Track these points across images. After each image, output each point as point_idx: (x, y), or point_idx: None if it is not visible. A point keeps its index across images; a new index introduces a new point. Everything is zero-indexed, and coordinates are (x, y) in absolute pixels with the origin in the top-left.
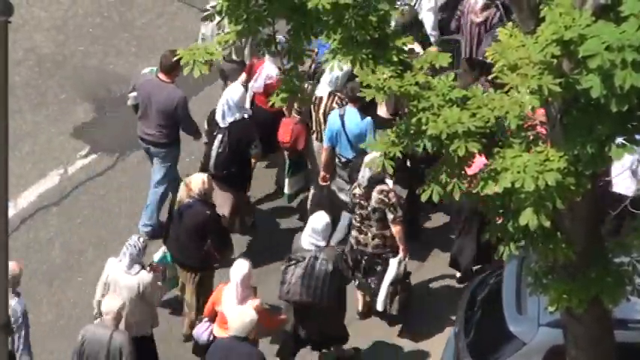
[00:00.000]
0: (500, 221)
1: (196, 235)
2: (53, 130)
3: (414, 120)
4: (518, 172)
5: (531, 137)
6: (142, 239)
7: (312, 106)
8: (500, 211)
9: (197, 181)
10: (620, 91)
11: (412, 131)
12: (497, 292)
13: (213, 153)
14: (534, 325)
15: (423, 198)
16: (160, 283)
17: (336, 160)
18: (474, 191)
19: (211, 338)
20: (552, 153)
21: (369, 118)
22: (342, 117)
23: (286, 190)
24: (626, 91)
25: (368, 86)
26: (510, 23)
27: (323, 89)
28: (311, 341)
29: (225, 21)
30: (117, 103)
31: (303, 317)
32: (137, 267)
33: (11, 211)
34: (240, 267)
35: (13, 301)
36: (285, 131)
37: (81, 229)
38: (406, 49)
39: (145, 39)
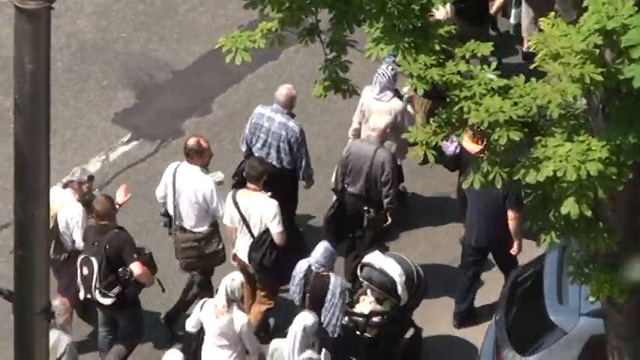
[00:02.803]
0: (541, 210)
1: None
2: (95, 116)
3: (455, 109)
4: (560, 161)
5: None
6: (390, 67)
7: None
8: (542, 200)
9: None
10: None
11: (454, 120)
12: (539, 281)
13: None
14: (575, 315)
15: (465, 186)
16: (411, 111)
17: None
18: (515, 178)
19: (457, 150)
20: (594, 142)
21: None
22: None
23: (512, 20)
24: None
25: (410, 75)
26: (553, 13)
27: None
28: None
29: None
30: (159, 89)
31: None
32: (389, 94)
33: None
34: None
35: (291, 123)
36: None
37: (122, 216)
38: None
39: (188, 26)
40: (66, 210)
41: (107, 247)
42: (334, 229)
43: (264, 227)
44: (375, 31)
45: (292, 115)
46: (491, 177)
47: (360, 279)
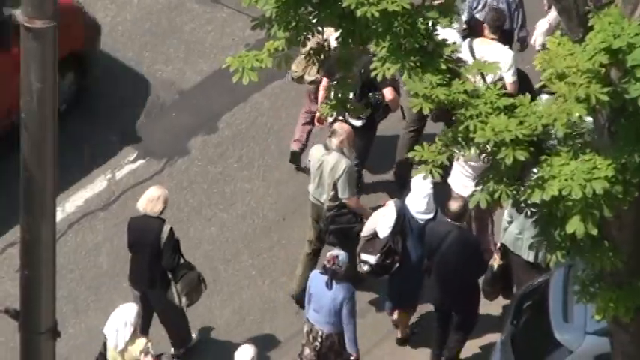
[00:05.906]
0: (547, 229)
1: None
2: (101, 135)
3: (461, 128)
4: (566, 180)
5: (579, 145)
6: None
7: None
8: (548, 219)
9: None
10: None
11: (460, 139)
12: (544, 299)
13: None
14: (581, 333)
15: (471, 205)
16: None
17: None
18: (522, 199)
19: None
20: (600, 161)
21: None
22: None
23: None
24: None
25: (416, 94)
26: (559, 32)
27: None
28: None
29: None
30: (165, 108)
31: None
32: None
33: (59, 216)
34: None
35: None
36: None
37: None
38: (454, 57)
39: (194, 45)
40: None
41: (362, 71)
42: None
43: (499, 76)
44: (381, 50)
45: None
46: (497, 195)
47: None
